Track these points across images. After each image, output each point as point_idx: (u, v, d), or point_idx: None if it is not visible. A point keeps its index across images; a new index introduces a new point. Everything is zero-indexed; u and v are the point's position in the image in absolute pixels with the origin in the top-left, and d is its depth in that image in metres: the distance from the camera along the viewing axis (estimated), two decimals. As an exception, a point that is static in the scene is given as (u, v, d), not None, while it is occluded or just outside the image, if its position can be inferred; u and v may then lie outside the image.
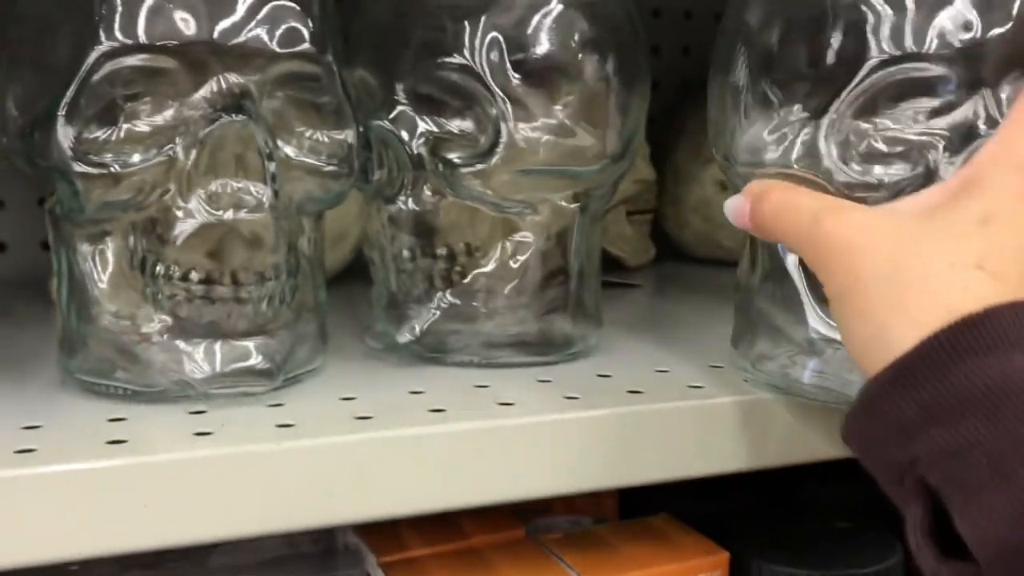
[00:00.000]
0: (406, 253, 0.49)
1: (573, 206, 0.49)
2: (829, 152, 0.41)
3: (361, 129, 0.47)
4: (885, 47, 0.39)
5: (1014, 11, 0.39)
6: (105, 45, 0.39)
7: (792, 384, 0.44)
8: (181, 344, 0.41)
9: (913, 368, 0.32)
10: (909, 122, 0.40)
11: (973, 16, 0.39)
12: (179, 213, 0.40)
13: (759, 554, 0.51)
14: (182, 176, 0.40)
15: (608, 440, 0.42)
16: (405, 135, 0.47)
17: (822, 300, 0.40)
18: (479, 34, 0.45)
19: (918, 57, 0.39)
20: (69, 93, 0.39)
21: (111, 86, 0.39)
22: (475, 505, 0.40)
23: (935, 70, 0.39)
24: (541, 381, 0.47)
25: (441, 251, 0.49)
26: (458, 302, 0.49)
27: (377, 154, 0.49)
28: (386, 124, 0.47)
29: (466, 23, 0.45)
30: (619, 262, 0.79)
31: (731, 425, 0.44)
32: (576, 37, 0.47)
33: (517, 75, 0.45)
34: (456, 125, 0.46)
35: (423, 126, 0.47)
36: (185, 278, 0.41)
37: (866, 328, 0.35)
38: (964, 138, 0.39)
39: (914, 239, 0.35)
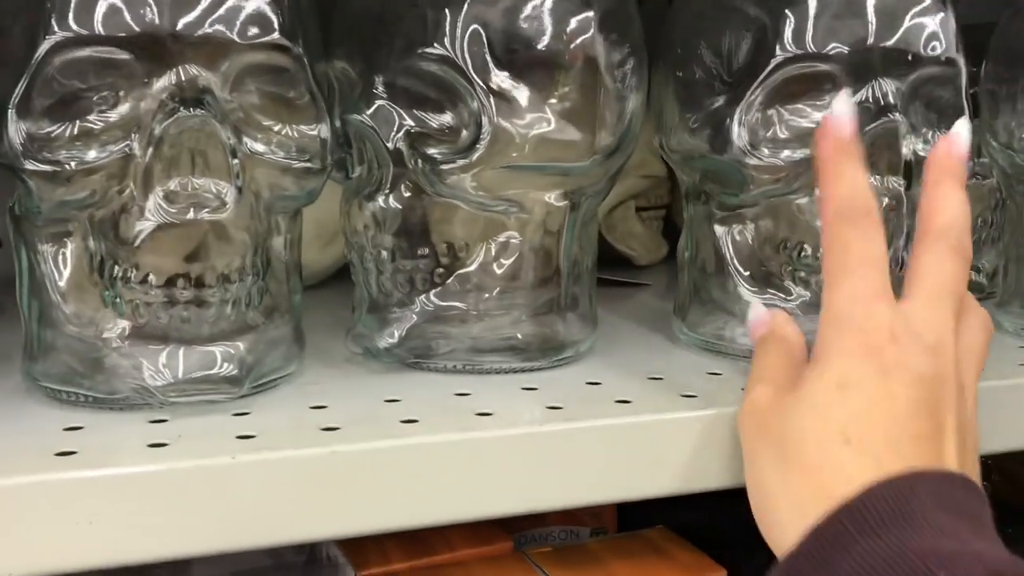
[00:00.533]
0: (386, 254, 0.46)
1: (562, 204, 0.47)
2: (742, 138, 0.46)
3: (339, 123, 0.45)
4: (789, 47, 0.45)
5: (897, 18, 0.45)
6: (58, 35, 0.37)
7: (725, 344, 0.50)
8: (142, 350, 0.40)
9: (800, 566, 0.33)
10: (808, 111, 0.45)
11: (863, 22, 0.45)
12: (137, 213, 0.38)
13: (757, 572, 0.48)
14: (139, 174, 0.38)
15: (591, 454, 0.40)
16: (384, 130, 0.44)
17: (749, 276, 0.49)
18: (460, 24, 0.43)
19: (817, 56, 0.45)
20: (20, 86, 0.37)
21: (64, 79, 0.37)
22: (444, 522, 0.38)
23: (830, 67, 0.45)
24: (526, 389, 0.45)
25: (423, 251, 0.46)
26: (441, 305, 0.46)
27: (357, 150, 0.46)
28: (365, 118, 0.45)
29: (447, 12, 0.43)
30: (629, 260, 0.76)
31: (721, 438, 0.41)
32: (564, 26, 0.44)
33: (500, 67, 0.43)
34: (436, 119, 0.44)
35: (402, 121, 0.44)
36: (144, 281, 0.39)
37: (765, 511, 0.38)
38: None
39: (787, 417, 0.37)
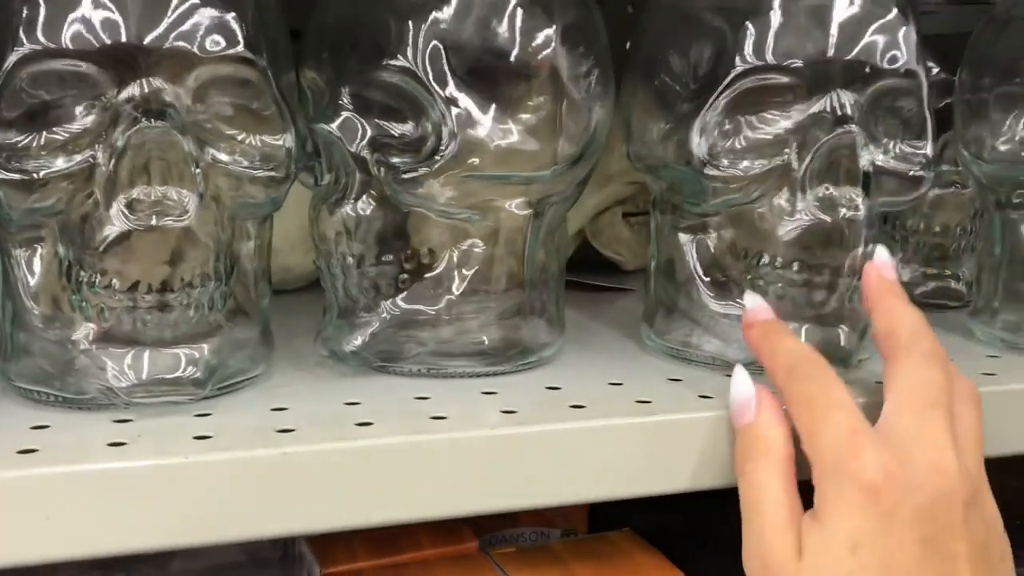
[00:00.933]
0: (352, 260, 0.47)
1: (526, 212, 0.48)
2: (701, 148, 0.47)
3: (307, 132, 0.47)
4: (749, 59, 0.46)
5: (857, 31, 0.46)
6: (26, 48, 0.38)
7: (690, 351, 0.51)
8: (108, 352, 0.41)
9: None
10: (768, 123, 0.46)
11: (822, 34, 0.46)
12: (102, 220, 0.40)
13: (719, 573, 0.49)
14: (103, 182, 0.39)
15: (541, 456, 0.41)
16: (349, 139, 0.46)
17: (711, 283, 0.50)
18: (422, 37, 0.44)
19: (776, 68, 0.46)
20: (-12, 98, 0.38)
21: (31, 90, 0.39)
22: (389, 522, 0.39)
23: (789, 78, 0.46)
24: (485, 393, 0.46)
25: (388, 258, 0.47)
26: (406, 310, 0.47)
27: (325, 157, 0.48)
28: (332, 128, 0.46)
29: (410, 25, 0.44)
30: (616, 265, 0.77)
31: (671, 442, 0.42)
32: (526, 39, 0.45)
33: (460, 79, 0.44)
34: (399, 129, 0.45)
35: (366, 130, 0.45)
36: (109, 286, 0.40)
37: None
38: (813, 137, 0.46)
39: None
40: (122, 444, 0.38)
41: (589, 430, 0.41)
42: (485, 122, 0.44)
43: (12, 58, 0.38)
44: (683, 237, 0.51)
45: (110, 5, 0.39)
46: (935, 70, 0.63)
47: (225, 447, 0.37)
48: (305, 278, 0.66)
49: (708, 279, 0.50)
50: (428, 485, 0.39)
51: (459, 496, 0.40)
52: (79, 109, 0.39)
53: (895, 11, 0.47)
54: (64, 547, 0.36)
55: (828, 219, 0.46)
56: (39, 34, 0.38)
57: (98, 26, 0.39)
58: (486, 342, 0.48)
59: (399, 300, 0.47)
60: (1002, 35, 0.55)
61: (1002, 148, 0.54)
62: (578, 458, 0.41)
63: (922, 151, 0.48)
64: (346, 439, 0.39)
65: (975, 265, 0.60)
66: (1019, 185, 0.54)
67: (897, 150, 0.48)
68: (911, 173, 0.48)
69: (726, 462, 0.43)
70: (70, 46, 0.38)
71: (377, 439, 0.39)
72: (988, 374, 0.51)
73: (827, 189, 0.46)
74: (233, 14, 0.41)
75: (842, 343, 0.48)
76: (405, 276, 0.47)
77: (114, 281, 0.40)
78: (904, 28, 0.47)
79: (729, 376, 0.44)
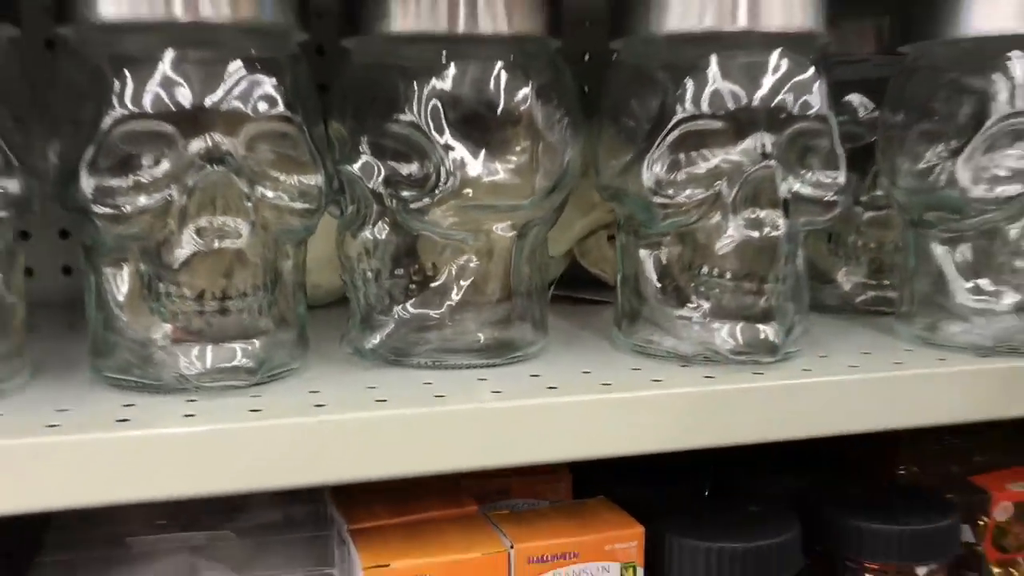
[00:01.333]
0: (371, 274, 0.59)
1: (511, 234, 0.59)
2: (650, 180, 0.58)
3: (334, 172, 0.58)
4: (688, 107, 0.57)
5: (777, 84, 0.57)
6: (117, 112, 0.50)
7: (652, 347, 0.62)
8: (180, 348, 0.52)
9: None
10: (704, 159, 0.57)
11: (748, 88, 0.56)
12: (175, 243, 0.51)
13: (671, 529, 0.59)
14: (177, 214, 0.51)
15: (522, 425, 0.52)
16: (367, 177, 0.57)
17: (664, 290, 0.61)
18: (424, 96, 0.55)
19: (710, 115, 0.57)
20: (89, 151, 0.50)
21: (122, 144, 0.50)
22: (403, 474, 0.50)
23: (721, 123, 0.57)
24: (479, 379, 0.56)
25: (399, 272, 0.59)
26: (415, 314, 0.59)
27: (348, 193, 0.59)
28: (354, 168, 0.57)
29: (414, 85, 0.56)
30: (602, 282, 0.87)
31: (628, 415, 0.53)
32: (508, 96, 0.56)
33: (455, 128, 0.55)
34: (407, 169, 0.56)
35: (381, 170, 0.57)
36: (181, 295, 0.52)
37: None
38: (740, 170, 0.57)
39: None
40: (192, 416, 0.49)
41: (560, 404, 0.52)
42: (476, 163, 0.56)
43: (107, 120, 0.50)
44: (643, 253, 0.61)
45: (181, 79, 0.50)
46: (871, 109, 0.75)
47: (273, 417, 0.49)
48: (333, 294, 0.78)
49: (663, 287, 0.61)
50: (431, 446, 0.50)
51: (456, 455, 0.51)
52: (158, 158, 0.51)
53: (811, 69, 0.58)
54: (150, 490, 0.47)
55: (755, 235, 0.57)
56: (128, 102, 0.50)
57: (173, 95, 0.50)
58: (481, 340, 0.59)
59: (409, 306, 0.59)
60: (910, 81, 0.65)
61: (911, 176, 0.64)
62: (551, 426, 0.52)
63: (835, 180, 0.59)
64: (366, 411, 0.50)
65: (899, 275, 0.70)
66: (926, 207, 0.64)
67: (813, 180, 0.59)
68: (825, 198, 0.59)
69: (672, 431, 0.54)
70: (151, 110, 0.50)
71: (391, 410, 0.50)
72: (897, 363, 0.61)
73: (753, 212, 0.57)
74: (275, 81, 0.53)
75: (771, 338, 0.58)
76: (414, 287, 0.59)
77: (185, 291, 0.52)
78: (817, 81, 0.58)
79: (683, 367, 0.55)
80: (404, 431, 0.50)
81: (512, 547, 0.56)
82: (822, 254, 0.77)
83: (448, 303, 0.59)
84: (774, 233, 0.57)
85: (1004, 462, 0.72)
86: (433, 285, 0.59)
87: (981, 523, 0.68)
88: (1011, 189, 0.59)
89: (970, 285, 0.63)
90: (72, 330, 0.70)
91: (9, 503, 0.45)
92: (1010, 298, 0.62)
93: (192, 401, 0.52)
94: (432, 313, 0.59)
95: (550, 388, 0.54)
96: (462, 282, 0.59)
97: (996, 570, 0.71)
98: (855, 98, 0.74)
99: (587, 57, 0.65)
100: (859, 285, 0.76)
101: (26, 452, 0.45)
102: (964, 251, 0.63)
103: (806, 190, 0.58)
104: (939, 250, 0.64)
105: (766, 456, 0.73)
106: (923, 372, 0.59)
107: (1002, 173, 0.59)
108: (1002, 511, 0.68)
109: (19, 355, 0.55)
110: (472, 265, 0.59)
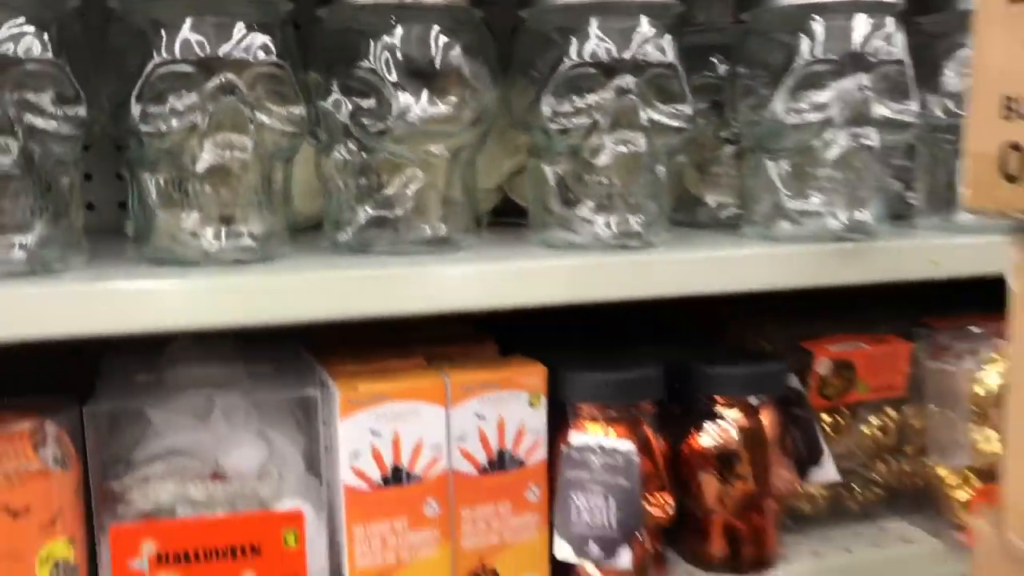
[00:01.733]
0: (341, 185, 0.79)
1: (447, 154, 0.79)
2: (546, 111, 0.76)
3: (312, 108, 0.78)
4: (574, 58, 0.75)
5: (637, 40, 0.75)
6: (156, 60, 0.70)
7: (554, 239, 0.82)
8: (203, 231, 0.72)
9: None
10: (584, 96, 0.77)
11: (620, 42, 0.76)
12: (199, 155, 0.71)
13: (565, 368, 0.80)
14: (200, 133, 0.71)
15: (446, 279, 0.72)
16: (337, 111, 0.77)
17: (562, 197, 0.79)
18: (379, 50, 0.75)
19: (591, 64, 0.75)
20: (138, 86, 0.70)
21: (160, 83, 0.70)
22: (367, 314, 0.70)
23: (597, 70, 0.75)
24: (422, 257, 0.77)
25: (363, 183, 0.79)
26: (375, 215, 0.79)
27: (323, 125, 0.79)
28: (327, 104, 0.77)
29: (371, 42, 0.76)
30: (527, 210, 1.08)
31: (510, 279, 0.73)
32: (441, 50, 0.77)
33: (404, 75, 0.75)
34: (366, 104, 0.76)
35: (347, 106, 0.77)
36: (204, 192, 0.72)
37: None
38: (612, 104, 0.77)
39: None
40: (203, 272, 0.69)
41: (482, 269, 0.73)
42: (420, 101, 0.76)
43: (150, 65, 0.70)
44: (547, 169, 0.82)
45: (201, 36, 0.70)
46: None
47: (272, 274, 0.69)
48: (311, 220, 0.97)
49: (560, 195, 0.81)
50: (380, 293, 0.70)
51: (396, 300, 0.71)
52: (186, 93, 0.70)
53: (665, 31, 0.79)
54: (177, 322, 0.67)
55: (624, 151, 0.78)
56: (163, 52, 0.70)
57: (195, 46, 0.70)
58: (428, 234, 0.79)
59: (370, 209, 0.79)
60: (747, 41, 0.86)
61: (749, 111, 0.85)
62: (463, 280, 0.72)
63: (683, 111, 0.80)
64: (338, 270, 0.70)
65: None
66: (760, 135, 0.85)
67: (667, 111, 0.79)
68: (676, 125, 0.80)
69: (561, 289, 0.74)
70: (180, 57, 0.70)
71: (356, 271, 0.70)
72: (734, 248, 0.82)
73: (622, 135, 0.77)
74: (269, 38, 0.72)
75: (636, 227, 0.79)
76: (375, 195, 0.79)
77: (207, 189, 0.71)
78: (669, 39, 0.79)
79: (576, 251, 0.76)
80: (365, 284, 0.70)
81: (448, 378, 0.76)
82: (694, 182, 0.98)
83: (400, 207, 0.79)
84: (637, 150, 0.78)
85: (833, 332, 0.93)
86: (389, 193, 0.79)
87: (809, 377, 0.89)
88: (812, 116, 0.80)
89: (792, 193, 0.84)
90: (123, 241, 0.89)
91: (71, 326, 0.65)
92: (821, 201, 0.83)
93: (202, 267, 0.71)
94: (388, 214, 0.79)
95: (477, 260, 0.75)
96: (411, 192, 0.79)
97: (825, 417, 0.92)
98: (716, 58, 0.95)
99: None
100: (723, 205, 0.97)
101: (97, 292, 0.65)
102: (786, 167, 0.84)
103: (661, 118, 0.79)
104: (771, 167, 0.85)
105: (650, 329, 0.94)
106: (752, 252, 0.80)
107: (804, 105, 0.80)
108: (823, 366, 0.88)
109: (78, 246, 0.74)
110: (418, 179, 0.79)
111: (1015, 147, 0.51)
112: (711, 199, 0.98)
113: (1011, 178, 0.52)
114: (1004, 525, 0.57)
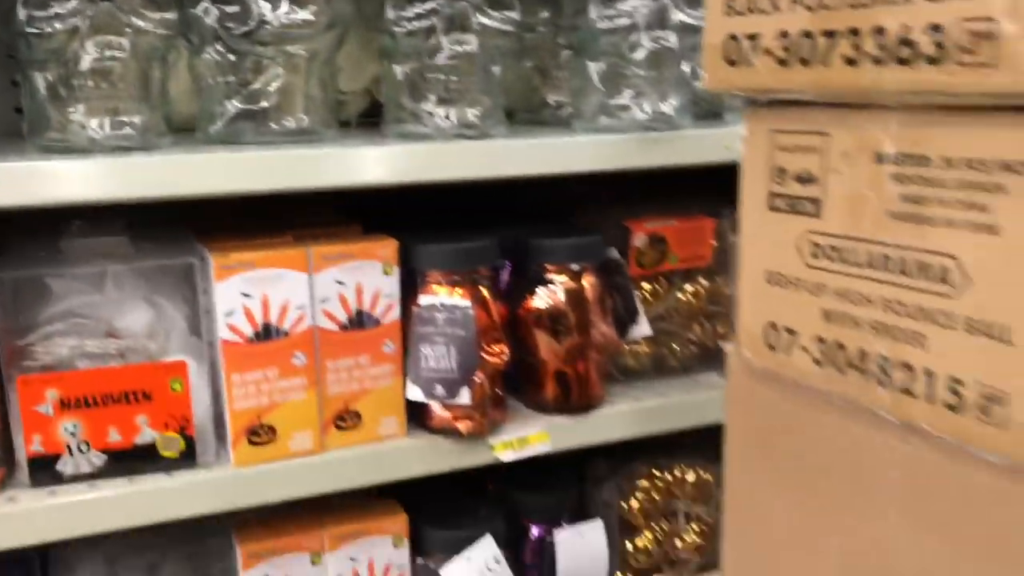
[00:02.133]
0: (211, 82, 0.90)
1: (306, 54, 0.91)
2: (391, 15, 0.85)
3: (184, 14, 0.89)
4: None
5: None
6: (41, -30, 0.80)
7: (406, 130, 0.93)
8: (87, 120, 0.83)
9: None
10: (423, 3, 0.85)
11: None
12: (82, 55, 0.81)
13: (413, 241, 0.94)
14: (81, 35, 0.81)
15: (315, 162, 0.84)
16: (207, 16, 0.88)
17: (412, 94, 0.86)
18: (241, -39, 0.86)
19: None
20: (24, -6, 0.80)
21: (45, -10, 0.80)
22: (244, 191, 0.82)
23: None
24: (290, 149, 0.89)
25: (231, 80, 0.90)
26: (243, 108, 0.90)
27: (196, 29, 0.90)
28: (197, 11, 0.88)
29: (235, -45, 0.87)
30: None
31: (381, 155, 0.86)
32: (297, -38, 0.88)
33: (262, -18, 0.87)
34: (231, 10, 0.87)
35: (215, 12, 0.88)
36: (86, 87, 0.82)
37: None
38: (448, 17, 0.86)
39: None
40: (95, 156, 0.80)
41: (341, 151, 0.85)
42: (280, 7, 0.87)
43: (35, -26, 0.80)
44: (396, 69, 0.94)
45: (81, -53, 0.80)
46: None
47: (150, 156, 0.80)
48: (190, 121, 1.08)
49: (409, 91, 0.93)
50: (246, 174, 0.82)
51: (260, 179, 0.83)
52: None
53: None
54: (70, 194, 0.78)
55: (460, 50, 0.90)
56: (47, -38, 0.80)
57: (76, -42, 0.80)
58: (292, 126, 0.91)
59: (238, 103, 0.90)
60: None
61: (571, 18, 0.98)
62: (320, 163, 0.85)
63: (510, 17, 0.93)
64: (208, 153, 0.82)
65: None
66: (579, 39, 0.98)
67: (499, 17, 0.92)
68: (505, 28, 0.93)
69: (406, 166, 0.87)
70: (63, -32, 0.80)
71: (223, 154, 0.82)
72: (562, 136, 0.95)
73: (458, 36, 0.90)
74: (142, -49, 0.83)
75: (472, 119, 0.92)
76: (243, 90, 0.90)
77: (91, 83, 0.82)
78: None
79: (422, 137, 0.89)
80: (227, 165, 0.82)
81: (311, 249, 0.89)
82: (537, 86, 1.12)
83: (266, 101, 0.90)
84: (472, 50, 0.90)
85: (655, 213, 1.08)
86: (255, 87, 0.90)
87: (629, 250, 1.04)
88: (621, 22, 0.94)
89: (608, 90, 0.98)
90: (21, 141, 0.99)
91: None
92: (630, 97, 0.97)
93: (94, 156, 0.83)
94: (255, 107, 0.90)
95: (335, 147, 0.87)
96: (275, 88, 0.90)
97: (646, 285, 1.07)
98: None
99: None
100: (562, 104, 1.10)
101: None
102: (603, 67, 0.98)
103: (492, 23, 0.92)
104: (591, 68, 0.99)
105: (505, 214, 1.08)
106: (573, 140, 0.94)
107: (613, 12, 0.94)
108: (639, 239, 1.03)
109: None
110: (282, 76, 0.90)
111: (733, 37, 0.65)
112: (552, 99, 1.11)
113: (732, 62, 0.66)
114: (740, 346, 0.72)
